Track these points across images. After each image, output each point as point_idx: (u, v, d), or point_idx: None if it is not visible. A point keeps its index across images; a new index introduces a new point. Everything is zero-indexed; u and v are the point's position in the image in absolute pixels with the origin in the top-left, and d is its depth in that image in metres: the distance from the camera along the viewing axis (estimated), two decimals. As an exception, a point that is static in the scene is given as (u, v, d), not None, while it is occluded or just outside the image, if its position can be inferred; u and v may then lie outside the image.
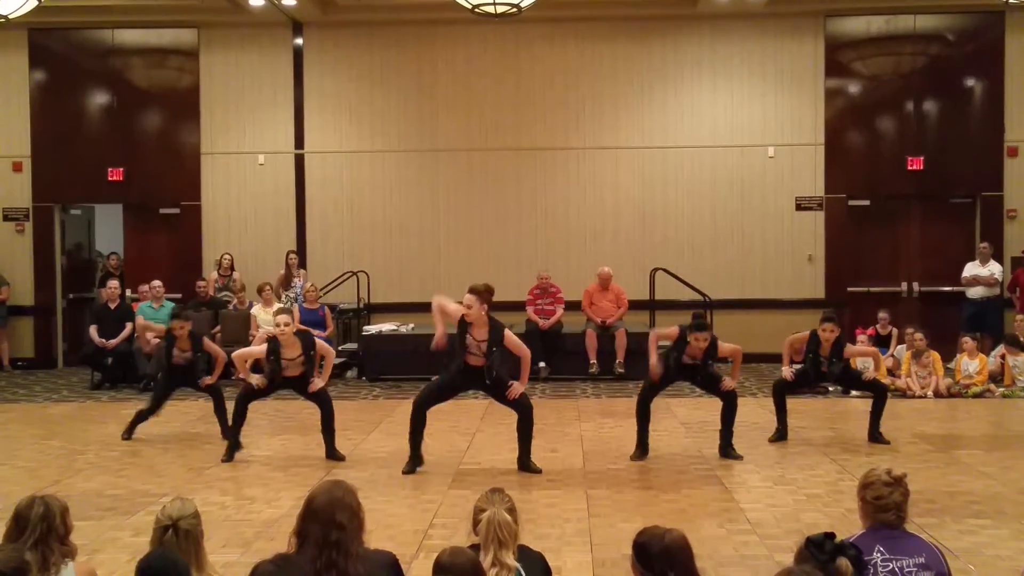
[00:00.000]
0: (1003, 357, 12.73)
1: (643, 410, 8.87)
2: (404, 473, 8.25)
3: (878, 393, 9.52)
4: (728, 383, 8.84)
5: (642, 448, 8.80)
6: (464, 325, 8.20)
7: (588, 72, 15.65)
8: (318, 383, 8.84)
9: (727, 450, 8.79)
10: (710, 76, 15.63)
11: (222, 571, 5.56)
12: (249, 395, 8.92)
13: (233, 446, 8.87)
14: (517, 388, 8.26)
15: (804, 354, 9.57)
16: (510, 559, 3.85)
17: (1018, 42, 15.18)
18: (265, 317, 13.79)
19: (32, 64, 15.92)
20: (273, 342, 8.73)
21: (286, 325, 8.60)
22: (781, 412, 9.62)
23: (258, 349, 9.09)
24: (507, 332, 8.23)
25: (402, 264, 15.71)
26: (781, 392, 9.68)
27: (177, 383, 10.06)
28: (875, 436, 9.35)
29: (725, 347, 8.95)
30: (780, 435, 9.51)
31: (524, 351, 8.33)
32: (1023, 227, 15.19)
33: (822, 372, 9.56)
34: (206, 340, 10.07)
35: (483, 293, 8.10)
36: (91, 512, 7.01)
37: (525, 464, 8.34)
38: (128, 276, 15.79)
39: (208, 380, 9.80)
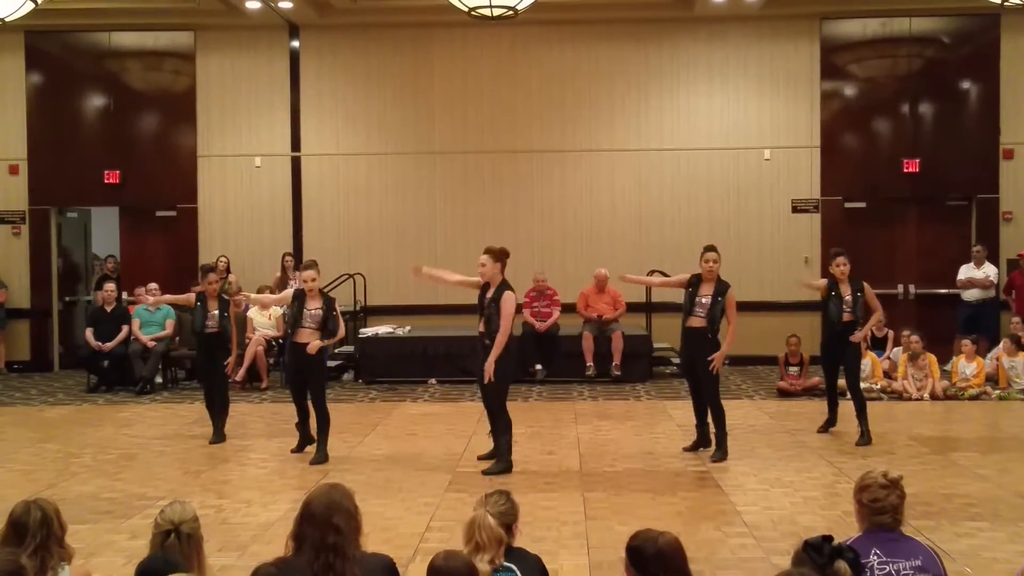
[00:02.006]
0: (999, 359, 12.74)
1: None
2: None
3: (854, 396, 9.66)
4: (717, 362, 8.83)
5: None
6: (485, 287, 8.44)
7: (584, 74, 15.66)
8: (315, 344, 8.91)
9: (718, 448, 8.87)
10: (706, 79, 15.65)
11: (219, 574, 5.57)
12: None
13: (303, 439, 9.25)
14: (488, 368, 8.28)
15: (827, 293, 9.68)
16: (484, 564, 3.82)
17: (1013, 44, 15.21)
18: (261, 320, 13.80)
19: (28, 67, 15.89)
20: (299, 292, 9.07)
21: (312, 280, 8.95)
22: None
23: (283, 295, 9.52)
24: (506, 292, 8.34)
25: (398, 266, 15.65)
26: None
27: (211, 357, 10.11)
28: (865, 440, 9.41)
29: (731, 296, 9.04)
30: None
31: (505, 324, 8.26)
32: (1019, 229, 15.20)
33: (845, 323, 9.60)
34: (230, 301, 10.41)
35: (497, 252, 8.40)
36: (87, 515, 6.99)
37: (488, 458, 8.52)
38: (124, 279, 15.77)
39: (231, 362, 10.25)
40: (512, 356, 8.61)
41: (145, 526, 4.17)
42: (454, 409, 11.84)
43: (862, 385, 11.94)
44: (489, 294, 8.39)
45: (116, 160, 15.77)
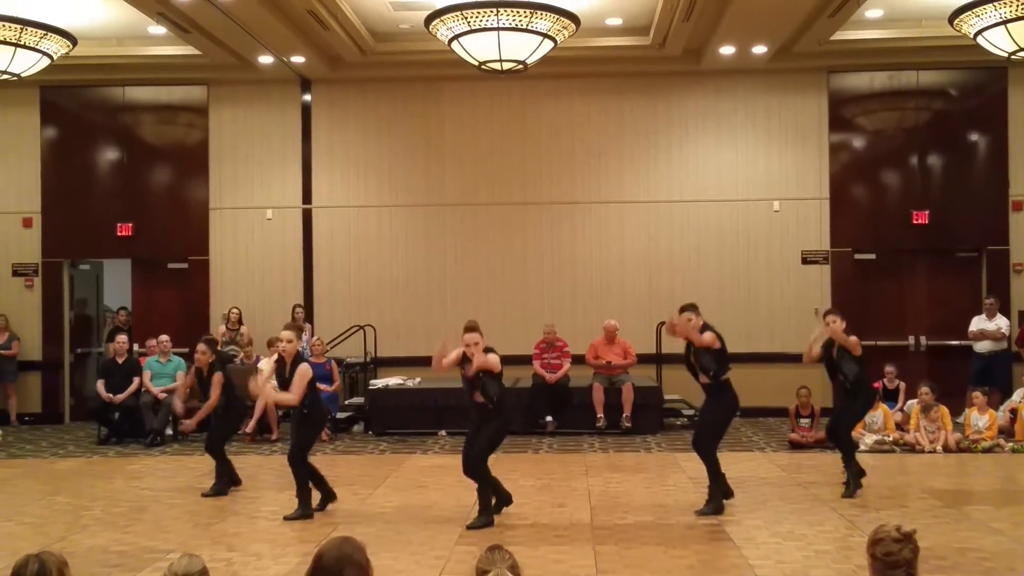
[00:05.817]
0: (1012, 411, 12.67)
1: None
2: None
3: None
4: None
5: None
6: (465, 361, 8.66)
7: (594, 127, 15.79)
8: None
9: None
10: (715, 131, 15.76)
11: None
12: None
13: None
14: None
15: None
16: None
17: (1021, 97, 15.30)
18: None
19: (43, 121, 16.09)
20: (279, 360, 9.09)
21: (288, 342, 8.93)
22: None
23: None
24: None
25: (409, 318, 15.73)
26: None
27: None
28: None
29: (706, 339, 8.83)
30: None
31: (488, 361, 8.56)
32: (1029, 281, 15.21)
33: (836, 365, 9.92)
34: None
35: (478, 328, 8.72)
36: (97, 569, 6.97)
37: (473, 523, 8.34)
38: (136, 330, 15.82)
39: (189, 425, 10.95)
40: (506, 423, 8.82)
41: (155, 580, 4.16)
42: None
43: (874, 437, 11.99)
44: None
45: (129, 213, 15.91)
